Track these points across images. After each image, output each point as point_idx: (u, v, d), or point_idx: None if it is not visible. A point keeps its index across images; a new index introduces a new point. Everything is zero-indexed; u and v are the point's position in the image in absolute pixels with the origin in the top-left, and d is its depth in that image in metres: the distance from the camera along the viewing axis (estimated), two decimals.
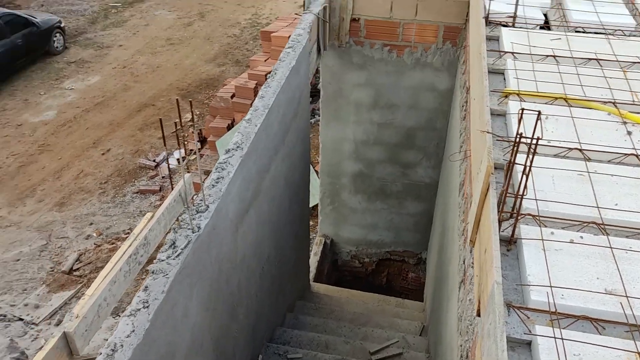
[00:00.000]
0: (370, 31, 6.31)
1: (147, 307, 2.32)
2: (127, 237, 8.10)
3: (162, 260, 2.60)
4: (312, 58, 5.51)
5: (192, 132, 10.51)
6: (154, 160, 10.06)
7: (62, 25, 13.90)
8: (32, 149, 10.42)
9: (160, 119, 2.45)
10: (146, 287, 2.47)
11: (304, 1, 5.80)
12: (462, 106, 4.77)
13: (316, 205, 7.58)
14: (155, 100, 12.13)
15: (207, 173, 9.32)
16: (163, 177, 9.65)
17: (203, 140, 10.38)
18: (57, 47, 13.58)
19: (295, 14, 12.18)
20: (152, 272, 2.54)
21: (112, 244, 7.97)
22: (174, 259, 2.62)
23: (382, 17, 6.16)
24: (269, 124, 3.84)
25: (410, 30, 6.19)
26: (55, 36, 13.58)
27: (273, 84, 4.18)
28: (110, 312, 2.29)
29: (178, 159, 9.95)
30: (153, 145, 10.62)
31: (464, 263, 3.06)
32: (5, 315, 6.88)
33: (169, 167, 3.16)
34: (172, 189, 2.93)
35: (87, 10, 16.04)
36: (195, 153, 10.20)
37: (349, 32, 6.27)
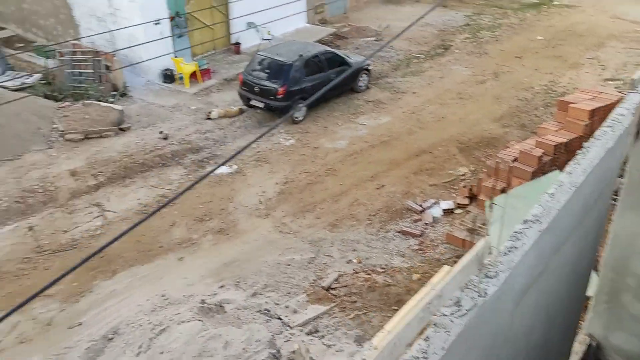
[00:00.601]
0: None
1: (426, 358, 2.37)
2: (383, 271, 8.50)
3: (446, 316, 2.63)
4: (628, 141, 4.99)
5: (464, 187, 10.53)
6: (421, 205, 10.36)
7: (369, 67, 15.53)
8: (321, 171, 11.80)
9: (471, 188, 2.50)
10: (427, 337, 2.53)
11: (632, 79, 5.30)
12: None
13: (587, 298, 6.76)
14: (433, 149, 12.55)
15: (470, 231, 9.19)
16: (426, 223, 9.86)
17: (472, 197, 10.29)
18: (360, 86, 15.21)
19: (618, 91, 11.20)
20: (435, 325, 2.59)
21: (368, 274, 8.44)
22: (457, 318, 2.62)
23: None
24: (572, 202, 3.60)
25: None
26: (362, 76, 15.23)
27: (584, 163, 3.91)
28: (400, 352, 2.41)
29: (445, 210, 10.06)
30: (423, 191, 10.97)
31: None
32: (269, 311, 7.85)
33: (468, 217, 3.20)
34: (474, 245, 2.95)
35: (393, 58, 17.60)
36: (461, 207, 10.17)
37: None
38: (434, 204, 10.36)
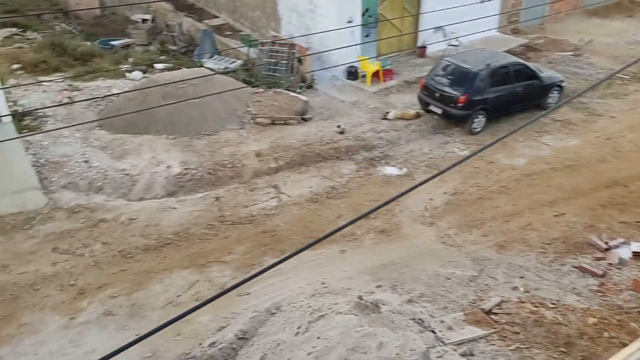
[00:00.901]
0: None
1: None
2: (553, 307, 7.84)
3: None
4: None
5: None
6: (606, 243, 9.33)
7: (562, 84, 14.38)
8: (493, 187, 11.26)
9: None
10: None
11: None
12: None
13: None
14: (630, 182, 11.23)
15: None
16: (610, 263, 8.86)
17: None
18: (549, 103, 14.15)
19: None
20: None
21: (536, 307, 7.83)
22: None
23: None
24: None
25: None
26: (552, 93, 14.16)
27: None
28: None
29: (635, 252, 8.95)
30: (610, 227, 9.87)
31: None
32: (422, 321, 7.69)
33: None
34: None
35: (591, 76, 16.07)
36: None
37: None
38: (623, 243, 9.26)
